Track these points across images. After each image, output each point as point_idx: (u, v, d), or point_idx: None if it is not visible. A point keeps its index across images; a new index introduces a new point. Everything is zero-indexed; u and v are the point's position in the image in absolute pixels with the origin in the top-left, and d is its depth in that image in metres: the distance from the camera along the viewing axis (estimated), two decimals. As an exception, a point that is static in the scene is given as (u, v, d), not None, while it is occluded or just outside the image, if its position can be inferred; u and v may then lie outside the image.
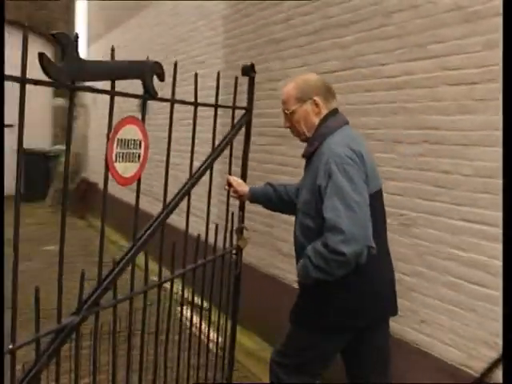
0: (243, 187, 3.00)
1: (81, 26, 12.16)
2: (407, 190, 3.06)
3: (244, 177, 3.18)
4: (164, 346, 2.74)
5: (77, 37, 1.75)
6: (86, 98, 11.08)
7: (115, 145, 2.03)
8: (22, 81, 1.67)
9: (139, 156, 2.18)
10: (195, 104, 2.60)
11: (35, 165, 11.75)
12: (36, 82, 1.72)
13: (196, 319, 3.21)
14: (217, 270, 3.09)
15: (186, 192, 2.67)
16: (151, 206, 7.22)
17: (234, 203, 3.12)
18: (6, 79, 1.65)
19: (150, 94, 2.23)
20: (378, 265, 2.31)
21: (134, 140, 2.14)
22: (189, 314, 3.19)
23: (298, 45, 3.98)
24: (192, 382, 3.03)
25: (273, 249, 4.27)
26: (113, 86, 2.05)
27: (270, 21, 4.33)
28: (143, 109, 2.28)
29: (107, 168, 2.02)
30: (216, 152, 2.86)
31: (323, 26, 3.70)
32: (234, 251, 3.18)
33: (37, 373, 1.81)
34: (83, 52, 12.20)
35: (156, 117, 7.09)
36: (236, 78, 2.93)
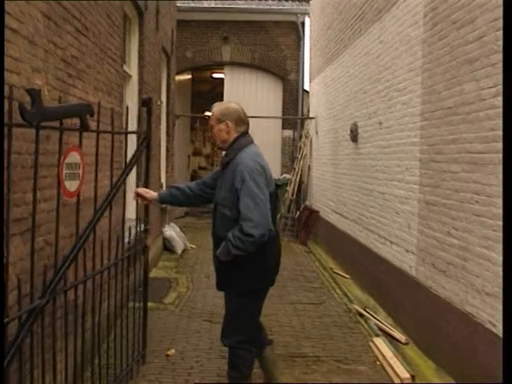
0: (151, 194, 3.77)
1: (306, 63, 12.87)
2: None
3: (147, 186, 3.94)
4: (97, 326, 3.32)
5: (39, 90, 2.43)
6: (311, 128, 11.64)
7: (64, 168, 2.69)
8: (9, 125, 2.16)
9: (79, 175, 2.86)
10: (112, 132, 3.26)
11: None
12: (20, 125, 2.27)
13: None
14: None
15: (107, 203, 3.25)
16: (361, 233, 7.24)
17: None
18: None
19: (84, 127, 2.85)
20: (274, 242, 3.42)
21: (76, 163, 2.83)
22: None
23: (491, 63, 3.67)
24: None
25: (467, 284, 3.94)
26: (61, 123, 2.67)
27: (465, 40, 4.08)
28: (80, 137, 2.91)
29: (59, 185, 2.67)
30: (127, 170, 3.51)
31: (516, 40, 3.36)
32: (141, 250, 3.90)
33: (21, 340, 2.36)
34: (306, 86, 12.86)
35: (364, 145, 7.14)
36: (139, 109, 3.79)
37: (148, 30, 7.16)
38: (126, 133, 3.52)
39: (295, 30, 13.28)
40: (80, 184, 2.89)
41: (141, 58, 6.80)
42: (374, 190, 6.57)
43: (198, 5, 13.03)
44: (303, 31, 13.20)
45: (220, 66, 13.78)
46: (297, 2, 13.30)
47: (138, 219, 3.81)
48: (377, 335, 5.19)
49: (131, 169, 3.53)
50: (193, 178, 15.84)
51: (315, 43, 11.50)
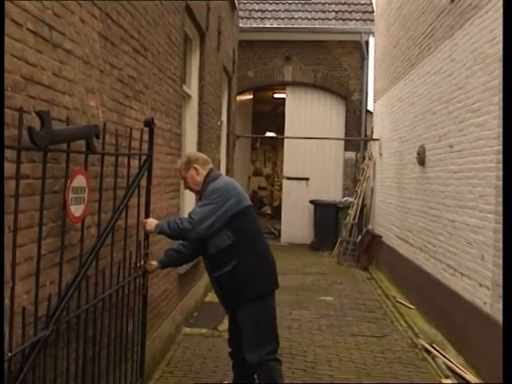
0: (151, 222, 3.89)
1: (369, 83, 12.54)
2: None
3: (148, 209, 3.81)
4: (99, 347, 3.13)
5: (48, 112, 2.32)
6: (375, 150, 11.27)
7: (70, 192, 2.56)
8: (18, 148, 2.11)
9: (84, 199, 2.73)
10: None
11: (327, 216, 12.37)
12: (28, 148, 2.20)
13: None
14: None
15: (111, 227, 3.08)
16: (428, 262, 6.83)
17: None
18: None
19: (90, 149, 2.77)
20: (266, 249, 3.89)
21: (81, 187, 2.70)
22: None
23: None
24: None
25: None
26: (68, 146, 2.55)
27: (550, 57, 3.71)
28: (85, 159, 2.78)
29: (65, 209, 2.54)
30: (130, 191, 3.36)
31: None
32: (141, 274, 3.78)
33: (26, 372, 2.23)
34: (370, 106, 12.52)
35: (433, 169, 6.76)
36: (141, 130, 3.66)
37: (209, 50, 7.09)
38: (129, 154, 3.36)
39: (359, 49, 12.99)
40: (85, 209, 2.75)
41: (201, 78, 6.73)
42: (443, 217, 6.17)
43: (261, 25, 12.98)
44: (367, 50, 12.88)
45: (282, 85, 13.64)
46: (361, 22, 13.03)
47: (138, 243, 3.63)
48: (447, 376, 4.77)
49: (133, 191, 3.39)
50: (253, 198, 15.69)
51: (380, 62, 11.18)
